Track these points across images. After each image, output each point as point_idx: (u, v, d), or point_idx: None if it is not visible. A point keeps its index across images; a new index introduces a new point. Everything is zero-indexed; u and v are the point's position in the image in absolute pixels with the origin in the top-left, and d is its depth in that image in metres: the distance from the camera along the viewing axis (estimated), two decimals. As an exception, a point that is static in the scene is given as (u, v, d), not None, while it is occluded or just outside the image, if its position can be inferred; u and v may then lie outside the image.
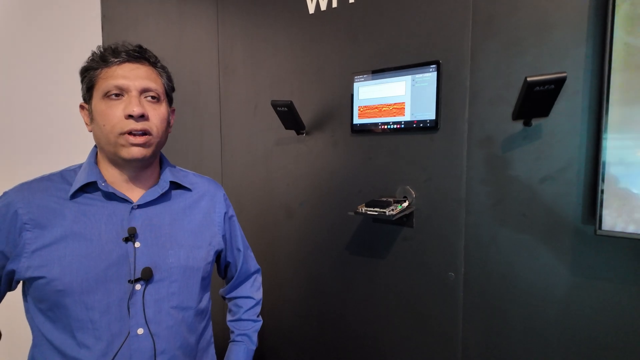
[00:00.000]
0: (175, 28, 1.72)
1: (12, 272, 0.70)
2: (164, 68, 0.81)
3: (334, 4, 1.23)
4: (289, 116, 1.25)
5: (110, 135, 0.71)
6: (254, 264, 1.06)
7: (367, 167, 1.20)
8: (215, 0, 1.56)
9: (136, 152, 0.72)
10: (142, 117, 0.72)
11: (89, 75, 0.74)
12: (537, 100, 0.81)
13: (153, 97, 0.76)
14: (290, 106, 1.21)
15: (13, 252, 0.69)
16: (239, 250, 0.99)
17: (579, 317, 0.88)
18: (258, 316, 1.04)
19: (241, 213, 1.54)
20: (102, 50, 0.74)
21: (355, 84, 1.19)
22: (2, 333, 0.80)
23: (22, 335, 0.78)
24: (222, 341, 1.67)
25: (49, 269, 0.68)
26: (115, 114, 0.71)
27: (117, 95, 0.71)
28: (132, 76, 0.72)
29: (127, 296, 0.72)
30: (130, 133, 0.71)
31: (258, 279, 1.07)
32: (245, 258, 1.02)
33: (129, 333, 0.71)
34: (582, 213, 0.86)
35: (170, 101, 0.83)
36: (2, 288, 0.74)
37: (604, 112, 0.76)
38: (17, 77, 1.80)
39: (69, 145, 1.88)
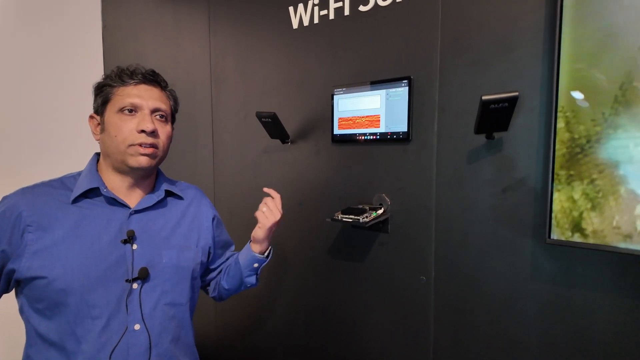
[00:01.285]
0: (171, 40, 1.80)
1: (12, 272, 0.74)
2: (171, 92, 0.90)
3: (316, 20, 1.29)
4: (273, 126, 1.32)
5: (121, 145, 0.79)
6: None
7: (346, 175, 1.26)
8: (207, 14, 1.63)
9: (144, 161, 0.80)
10: (153, 133, 0.81)
11: (106, 90, 0.81)
12: (493, 117, 0.87)
13: (161, 116, 0.85)
14: (274, 117, 1.28)
15: (15, 252, 0.73)
16: (229, 245, 1.10)
17: (536, 317, 0.94)
18: None
19: (232, 219, 1.61)
20: (119, 70, 0.83)
21: (335, 97, 1.25)
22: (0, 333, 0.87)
23: (20, 333, 0.84)
24: (214, 341, 1.75)
25: (50, 269, 0.73)
26: (128, 127, 0.79)
27: (130, 111, 0.80)
28: (146, 96, 0.81)
29: (125, 294, 0.78)
30: (140, 145, 0.79)
31: None
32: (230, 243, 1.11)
33: (126, 328, 0.78)
34: (538, 222, 0.92)
35: (173, 122, 0.91)
36: (1, 287, 0.77)
37: (553, 129, 0.82)
38: (22, 85, 1.89)
39: (71, 151, 1.98)
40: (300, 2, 1.33)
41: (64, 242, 0.75)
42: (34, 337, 0.78)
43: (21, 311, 0.79)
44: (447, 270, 1.07)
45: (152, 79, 0.84)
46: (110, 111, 0.80)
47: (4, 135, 1.86)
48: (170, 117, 0.89)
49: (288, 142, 1.40)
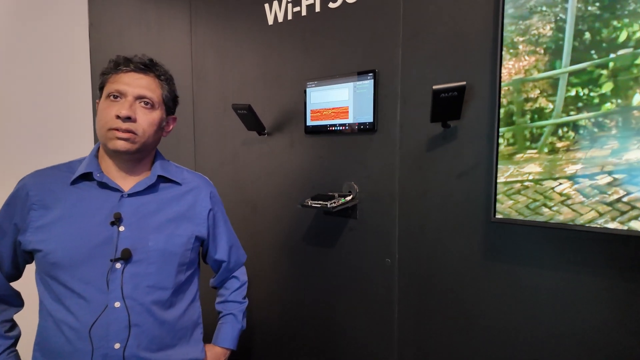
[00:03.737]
0: (154, 38, 1.85)
1: (20, 243, 0.84)
2: (167, 81, 0.91)
3: (289, 17, 1.36)
4: (249, 118, 1.38)
5: (102, 129, 0.83)
6: (241, 255, 1.16)
7: (318, 165, 1.33)
8: (189, 13, 1.69)
9: (120, 144, 0.82)
10: (129, 119, 0.82)
11: (103, 78, 0.86)
12: (445, 105, 0.94)
13: (146, 104, 0.86)
14: (249, 109, 1.34)
15: (22, 227, 0.83)
16: (225, 245, 1.08)
17: (489, 291, 1.01)
18: (244, 298, 1.13)
19: (213, 208, 1.66)
20: (117, 58, 0.86)
21: (307, 90, 1.32)
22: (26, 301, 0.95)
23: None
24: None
25: (47, 243, 0.81)
26: (110, 112, 0.82)
27: (115, 97, 0.83)
28: (133, 84, 0.84)
29: (107, 272, 0.83)
30: (117, 129, 0.82)
31: (243, 266, 1.18)
32: (232, 253, 1.10)
33: (107, 305, 0.82)
34: (488, 203, 0.99)
35: (168, 110, 0.93)
36: (20, 258, 0.88)
37: (497, 118, 0.89)
38: (10, 82, 1.93)
39: (59, 147, 2.02)
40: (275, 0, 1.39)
41: (60, 220, 0.83)
42: (41, 303, 0.86)
43: (35, 278, 0.88)
44: (409, 253, 1.14)
45: (144, 67, 0.86)
46: (102, 97, 0.85)
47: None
48: (161, 105, 0.89)
49: (264, 134, 1.46)
